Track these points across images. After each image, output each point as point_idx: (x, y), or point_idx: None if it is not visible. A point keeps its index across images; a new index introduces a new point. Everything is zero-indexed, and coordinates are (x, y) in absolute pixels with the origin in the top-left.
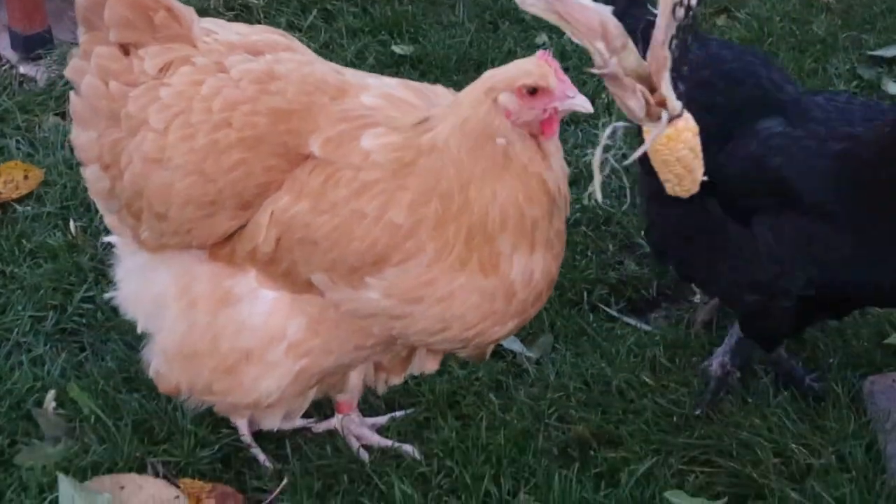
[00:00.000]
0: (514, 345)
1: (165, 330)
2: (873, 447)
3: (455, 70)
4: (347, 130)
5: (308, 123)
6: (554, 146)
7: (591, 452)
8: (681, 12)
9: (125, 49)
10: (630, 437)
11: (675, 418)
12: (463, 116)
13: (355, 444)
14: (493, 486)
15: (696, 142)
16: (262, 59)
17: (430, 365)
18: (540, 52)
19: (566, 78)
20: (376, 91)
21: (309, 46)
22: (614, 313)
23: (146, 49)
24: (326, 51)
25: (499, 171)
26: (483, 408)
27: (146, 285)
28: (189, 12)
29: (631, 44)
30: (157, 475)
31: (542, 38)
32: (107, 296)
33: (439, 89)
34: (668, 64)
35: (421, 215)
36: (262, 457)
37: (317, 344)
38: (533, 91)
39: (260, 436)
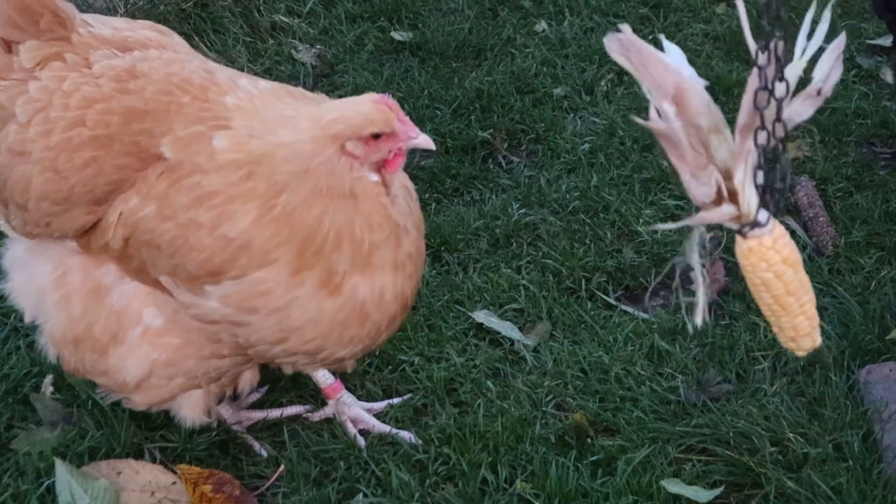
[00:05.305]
0: (512, 332)
1: (51, 319)
2: (870, 437)
3: (454, 56)
4: (200, 131)
5: (163, 124)
6: (397, 175)
7: (589, 440)
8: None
9: (8, 45)
10: (627, 426)
11: (672, 406)
12: (307, 154)
13: (352, 430)
14: (490, 473)
15: (789, 275)
16: (128, 57)
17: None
18: (377, 97)
19: (406, 118)
20: (244, 93)
21: (308, 32)
22: (612, 301)
23: (24, 44)
24: (325, 37)
25: (337, 199)
26: (481, 395)
27: (29, 277)
28: (72, 11)
29: (728, 133)
30: (154, 461)
31: (542, 25)
32: None
33: (321, 98)
34: (752, 159)
35: (255, 231)
36: (256, 445)
37: (173, 342)
38: (377, 136)
39: (256, 426)
